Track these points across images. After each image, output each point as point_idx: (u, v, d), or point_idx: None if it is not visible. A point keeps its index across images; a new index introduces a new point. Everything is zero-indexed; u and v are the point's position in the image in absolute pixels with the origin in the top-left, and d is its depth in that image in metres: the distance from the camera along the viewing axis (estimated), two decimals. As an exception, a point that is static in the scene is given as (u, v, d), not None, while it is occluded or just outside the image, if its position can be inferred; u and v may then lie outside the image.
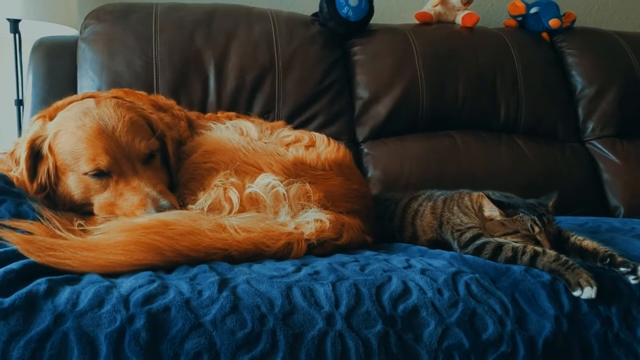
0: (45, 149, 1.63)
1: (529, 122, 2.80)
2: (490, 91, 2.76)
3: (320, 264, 1.46)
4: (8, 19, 2.69)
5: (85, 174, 1.58)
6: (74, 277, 1.29)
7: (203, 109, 2.39)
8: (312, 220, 1.59)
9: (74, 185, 1.61)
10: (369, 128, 2.63)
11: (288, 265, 1.44)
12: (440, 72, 2.71)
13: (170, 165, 1.74)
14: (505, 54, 2.83)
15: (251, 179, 1.68)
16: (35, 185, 1.63)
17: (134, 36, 2.45)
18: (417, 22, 2.97)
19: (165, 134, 1.72)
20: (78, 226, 1.48)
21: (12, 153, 1.72)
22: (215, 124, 1.95)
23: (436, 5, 2.94)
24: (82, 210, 1.63)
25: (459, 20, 2.96)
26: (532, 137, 2.79)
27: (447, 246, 1.74)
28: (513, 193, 1.94)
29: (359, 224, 1.73)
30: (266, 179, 1.66)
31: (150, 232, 1.40)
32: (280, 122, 2.09)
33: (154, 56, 2.43)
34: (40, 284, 1.20)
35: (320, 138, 1.93)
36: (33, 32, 2.86)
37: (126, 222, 1.45)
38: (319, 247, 1.60)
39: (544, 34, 3.05)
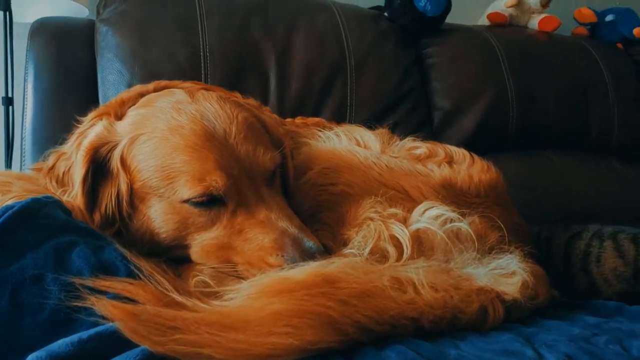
0: (114, 163, 1.08)
1: (622, 143, 2.42)
2: (581, 106, 2.37)
3: (554, 339, 1.00)
4: (-4, -7, 2.09)
5: (186, 200, 1.04)
6: (217, 377, 0.76)
7: (261, 115, 1.87)
8: (517, 272, 1.11)
9: (161, 218, 1.07)
10: (454, 144, 2.16)
11: (514, 344, 0.97)
12: (529, 82, 2.29)
13: (288, 188, 1.22)
14: (593, 65, 2.45)
15: (404, 208, 1.19)
16: (97, 218, 1.07)
17: (174, 20, 1.90)
18: (488, 23, 2.56)
19: (283, 142, 1.20)
20: (197, 284, 0.95)
21: (51, 168, 1.15)
22: (321, 131, 1.44)
23: (510, 6, 2.54)
24: (170, 256, 1.08)
25: (533, 24, 2.57)
26: (627, 160, 2.41)
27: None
28: (628, 225, 1.55)
29: (543, 272, 1.26)
30: (434, 210, 1.17)
31: (315, 295, 0.89)
32: (385, 130, 1.60)
33: (201, 46, 1.89)
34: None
35: (459, 153, 1.46)
36: (24, 12, 2.26)
37: (275, 279, 0.92)
38: (516, 310, 1.12)
39: (619, 45, 2.71)
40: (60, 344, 0.73)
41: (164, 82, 1.26)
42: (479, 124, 2.19)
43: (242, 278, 1.02)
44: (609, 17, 2.72)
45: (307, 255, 1.01)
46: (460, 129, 2.18)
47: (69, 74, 1.89)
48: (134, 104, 1.16)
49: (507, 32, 2.47)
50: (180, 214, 1.06)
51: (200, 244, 1.07)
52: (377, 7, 2.36)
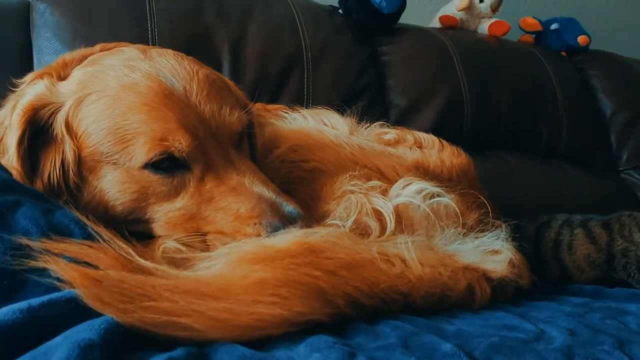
0: (58, 127, 0.94)
1: (571, 148, 2.44)
2: (531, 110, 2.38)
3: (549, 316, 0.95)
4: None
5: (144, 166, 0.92)
6: (195, 352, 0.65)
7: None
8: (503, 250, 1.05)
9: (116, 188, 0.94)
10: (411, 141, 2.12)
11: (512, 320, 0.91)
12: (482, 83, 2.27)
13: (256, 156, 1.12)
14: (542, 71, 2.47)
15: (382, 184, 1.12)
16: (39, 186, 0.93)
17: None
18: (439, 25, 2.56)
19: (250, 108, 1.10)
20: (166, 251, 0.83)
21: None
22: (287, 112, 1.36)
23: (461, 10, 2.54)
24: (129, 230, 0.95)
25: (483, 29, 2.58)
26: (575, 163, 2.43)
27: (622, 285, 1.29)
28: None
29: (522, 256, 1.21)
30: (416, 185, 1.09)
31: (301, 264, 0.79)
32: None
33: (149, 28, 1.76)
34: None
35: (428, 138, 1.40)
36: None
37: (256, 246, 0.81)
38: (501, 290, 1.06)
39: (563, 53, 2.77)
40: (5, 311, 0.59)
41: (112, 44, 1.13)
42: (434, 122, 2.15)
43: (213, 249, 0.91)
44: (554, 26, 2.77)
45: (288, 221, 0.91)
46: (416, 126, 2.10)
47: (1, 55, 1.72)
48: (78, 65, 1.03)
49: (460, 34, 2.47)
50: (139, 182, 0.93)
51: (164, 216, 0.94)
52: (331, 7, 2.30)
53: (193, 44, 1.82)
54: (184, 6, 1.85)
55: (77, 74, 1.00)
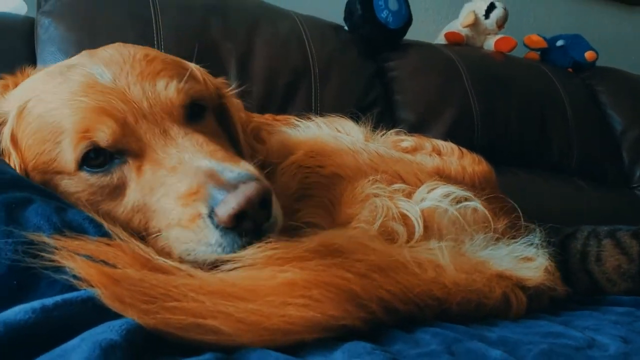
0: (4, 142, 0.89)
1: (583, 162, 2.40)
2: (542, 125, 2.34)
3: (595, 324, 0.89)
4: None
5: (79, 167, 0.83)
6: (224, 357, 0.59)
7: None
8: (538, 256, 0.99)
9: (71, 199, 0.85)
10: (422, 157, 2.07)
11: (556, 328, 0.85)
12: (491, 99, 2.24)
13: (234, 133, 1.05)
14: (551, 86, 2.44)
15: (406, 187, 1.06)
16: None
17: (126, 14, 1.74)
18: (445, 42, 2.53)
19: (221, 90, 1.06)
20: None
21: None
22: (299, 121, 1.31)
23: (466, 26, 2.52)
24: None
25: (489, 45, 2.56)
26: (586, 178, 2.38)
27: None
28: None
29: (555, 264, 1.15)
30: (442, 189, 1.04)
31: (330, 266, 0.73)
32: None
33: (156, 41, 1.73)
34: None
35: (447, 146, 1.36)
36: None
37: (281, 246, 0.75)
38: (536, 299, 0.99)
39: (569, 70, 2.75)
40: (17, 311, 0.53)
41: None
42: (444, 137, 2.09)
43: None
44: (560, 43, 2.75)
45: (228, 187, 0.76)
46: (427, 141, 2.08)
47: (6, 70, 1.67)
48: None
49: (467, 50, 2.45)
50: (84, 188, 0.84)
51: (118, 220, 0.83)
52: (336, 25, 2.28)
53: (200, 57, 1.78)
54: (190, 20, 1.81)
55: (24, 82, 0.95)
